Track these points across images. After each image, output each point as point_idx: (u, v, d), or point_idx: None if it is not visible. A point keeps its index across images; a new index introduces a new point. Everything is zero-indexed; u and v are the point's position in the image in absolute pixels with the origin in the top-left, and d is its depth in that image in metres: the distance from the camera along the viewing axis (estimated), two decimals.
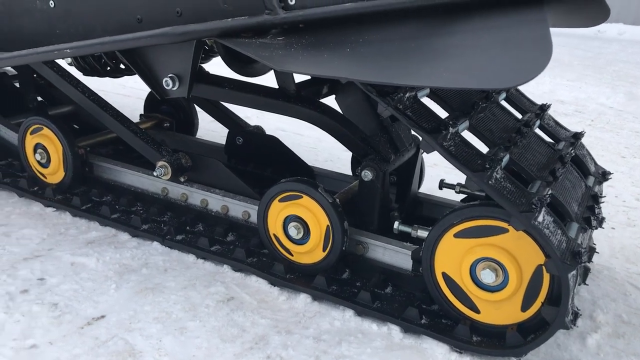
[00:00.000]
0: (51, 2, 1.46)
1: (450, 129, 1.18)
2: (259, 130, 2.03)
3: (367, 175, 1.44)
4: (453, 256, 1.25)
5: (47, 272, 1.45)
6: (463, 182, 1.72)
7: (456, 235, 1.24)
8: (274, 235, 1.46)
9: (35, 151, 1.78)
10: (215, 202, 1.66)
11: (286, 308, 1.36)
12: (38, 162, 1.79)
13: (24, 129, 1.80)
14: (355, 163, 1.84)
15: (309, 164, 1.87)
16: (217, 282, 1.44)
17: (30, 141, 1.80)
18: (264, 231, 1.48)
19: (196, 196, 1.69)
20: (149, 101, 2.24)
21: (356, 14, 1.08)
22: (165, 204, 1.73)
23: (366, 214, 1.48)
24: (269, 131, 2.06)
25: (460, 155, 1.16)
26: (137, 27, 1.35)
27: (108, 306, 1.33)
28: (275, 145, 1.86)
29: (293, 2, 1.15)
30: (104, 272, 1.46)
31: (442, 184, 1.72)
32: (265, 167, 1.89)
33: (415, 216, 1.68)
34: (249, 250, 1.51)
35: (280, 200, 1.44)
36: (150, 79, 1.42)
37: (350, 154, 1.81)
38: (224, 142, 1.94)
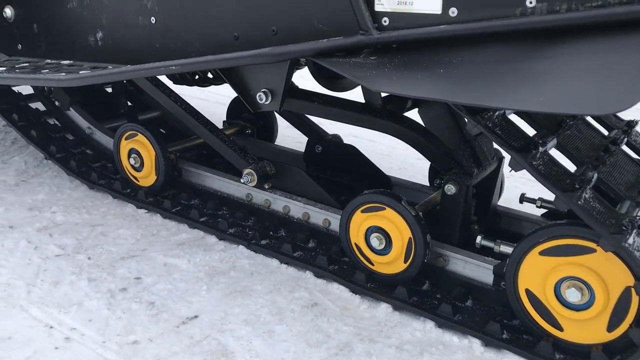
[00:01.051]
0: (152, 18, 1.55)
1: (540, 148, 1.19)
2: (337, 139, 2.08)
3: (450, 189, 1.46)
4: (537, 274, 1.26)
5: (142, 271, 1.55)
6: (543, 197, 1.73)
7: (542, 253, 1.25)
8: (356, 244, 1.51)
9: (129, 156, 1.90)
10: (297, 209, 1.72)
11: (368, 317, 1.41)
12: (132, 166, 1.90)
13: (119, 134, 1.92)
14: (433, 173, 1.87)
15: (383, 170, 1.91)
16: (301, 287, 1.50)
17: (125, 146, 1.91)
18: (346, 240, 1.52)
19: (279, 202, 1.76)
20: (232, 108, 2.33)
21: (450, 36, 1.11)
22: (249, 209, 1.81)
23: (448, 227, 1.51)
24: (342, 137, 2.10)
25: (549, 174, 1.17)
26: (234, 44, 1.43)
27: (200, 307, 1.41)
28: (353, 154, 1.90)
29: (387, 22, 1.19)
30: (194, 273, 1.55)
31: (523, 198, 1.72)
32: (343, 174, 1.94)
33: (495, 229, 1.69)
34: (330, 258, 1.57)
35: (362, 211, 1.48)
36: (244, 92, 1.49)
37: (425, 162, 1.84)
38: (301, 149, 2.00)
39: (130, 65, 1.65)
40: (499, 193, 1.74)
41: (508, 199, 1.78)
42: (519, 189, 1.93)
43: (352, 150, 1.91)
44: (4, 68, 1.71)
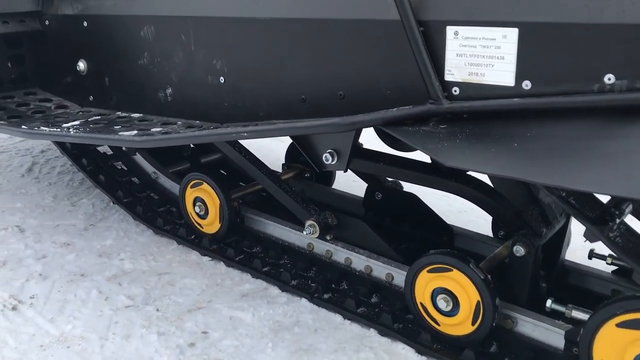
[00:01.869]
0: (222, 78, 1.59)
1: (616, 218, 1.16)
2: (397, 185, 2.08)
3: (519, 250, 1.44)
4: (614, 346, 1.22)
5: (209, 325, 1.57)
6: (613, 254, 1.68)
7: (619, 325, 1.21)
8: (422, 304, 1.50)
9: (194, 204, 1.94)
10: (359, 261, 1.72)
11: None
12: (197, 213, 1.94)
13: (185, 182, 1.96)
14: (497, 225, 1.84)
15: (442, 213, 1.89)
16: (366, 347, 1.49)
17: (190, 194, 1.96)
18: (411, 299, 1.51)
19: (340, 254, 1.76)
20: (290, 151, 2.36)
21: (523, 109, 1.10)
22: (310, 259, 1.82)
23: (516, 287, 1.48)
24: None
25: (627, 247, 1.14)
26: (301, 105, 1.45)
27: None
28: (413, 202, 1.90)
29: (457, 92, 1.19)
30: (259, 328, 1.56)
31: (592, 254, 1.68)
32: (403, 222, 1.93)
33: (563, 284, 1.66)
34: (395, 316, 1.56)
35: (429, 271, 1.47)
36: (309, 151, 1.50)
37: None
38: (357, 188, 2.00)
39: (199, 120, 1.70)
40: (566, 247, 1.70)
41: (573, 248, 1.74)
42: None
43: (413, 198, 1.91)
44: (78, 122, 1.79)
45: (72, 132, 1.61)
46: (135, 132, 1.61)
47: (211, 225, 1.94)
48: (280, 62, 1.46)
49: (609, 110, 1.03)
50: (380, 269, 1.68)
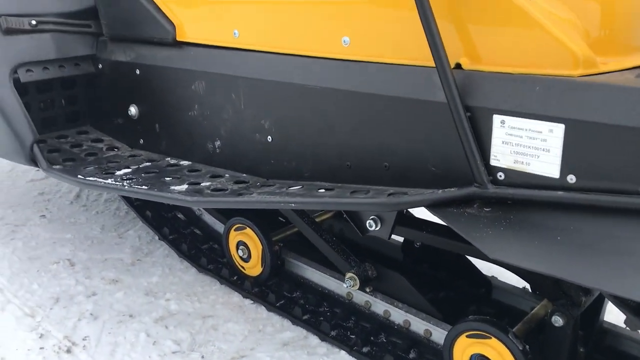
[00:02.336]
0: (269, 137, 1.65)
1: None
2: None
3: (557, 321, 1.46)
4: None
5: None
6: None
7: None
8: None
9: (237, 247, 2.00)
10: (398, 315, 1.76)
11: None
12: (240, 257, 2.01)
13: (229, 226, 2.03)
14: None
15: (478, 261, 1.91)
16: None
17: (234, 238, 2.02)
18: None
19: (379, 306, 1.80)
20: None
21: (568, 203, 1.13)
22: (349, 308, 1.87)
23: (553, 356, 1.50)
24: None
25: None
26: (346, 171, 1.50)
27: None
28: (452, 253, 1.92)
29: (502, 177, 1.22)
30: None
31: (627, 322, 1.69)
32: (440, 270, 1.96)
33: (601, 347, 1.67)
34: None
35: (467, 336, 1.50)
36: (353, 215, 1.55)
37: None
38: (397, 239, 2.04)
39: (245, 173, 1.76)
40: (605, 307, 1.71)
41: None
42: None
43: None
44: (130, 170, 1.86)
45: (126, 186, 1.68)
46: (186, 186, 1.68)
47: (253, 268, 2.00)
48: (328, 129, 1.51)
49: None
50: (419, 325, 1.72)
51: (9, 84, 1.91)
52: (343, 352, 1.73)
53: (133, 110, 2.04)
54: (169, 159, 1.97)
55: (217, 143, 1.81)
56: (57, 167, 1.91)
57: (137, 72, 1.98)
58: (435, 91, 1.27)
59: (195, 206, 1.60)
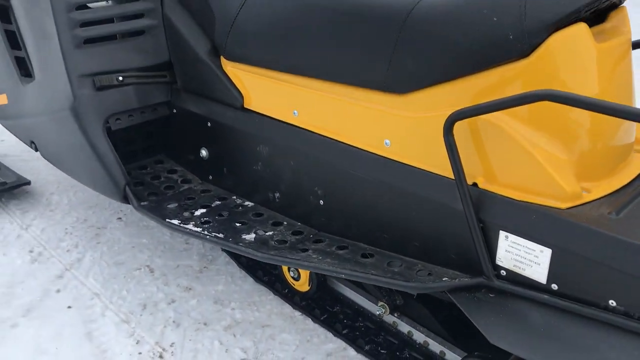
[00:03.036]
0: (321, 201, 2.05)
1: None
2: None
3: None
4: None
5: None
6: None
7: None
8: None
9: (289, 268, 2.44)
10: (419, 335, 2.20)
11: None
12: (291, 277, 2.45)
13: None
14: None
15: None
16: None
17: None
18: None
19: (404, 327, 2.25)
20: None
21: (551, 305, 1.53)
22: (379, 325, 2.31)
23: None
24: None
25: None
26: (384, 239, 1.89)
27: None
28: None
29: (504, 274, 1.61)
30: None
31: None
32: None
33: None
34: None
35: None
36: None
37: None
38: None
39: (300, 222, 2.17)
40: None
41: None
42: None
43: None
44: (205, 211, 2.27)
45: (206, 233, 2.11)
46: (254, 235, 2.10)
47: (302, 286, 2.45)
48: (370, 207, 1.90)
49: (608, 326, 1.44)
50: (436, 345, 2.16)
51: (102, 135, 2.30)
52: None
53: (204, 152, 2.44)
54: (235, 197, 2.38)
55: (277, 194, 2.21)
56: (144, 203, 2.33)
57: (209, 124, 2.35)
58: (456, 200, 1.65)
59: (262, 260, 2.01)
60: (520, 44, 1.49)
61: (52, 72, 2.34)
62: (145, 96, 2.44)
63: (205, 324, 2.36)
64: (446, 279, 1.69)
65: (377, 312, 2.21)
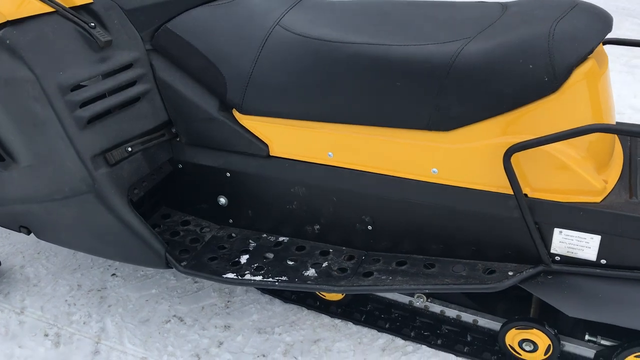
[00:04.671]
0: (369, 226, 2.31)
1: None
2: None
3: None
4: None
5: None
6: None
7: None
8: (510, 345, 2.44)
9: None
10: (451, 312, 2.60)
11: None
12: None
13: None
14: None
15: None
16: None
17: None
18: (504, 344, 2.44)
19: (436, 307, 2.63)
20: None
21: (602, 276, 2.00)
22: (413, 312, 2.66)
23: None
24: None
25: None
26: (438, 248, 2.23)
27: None
28: None
29: (559, 259, 2.05)
30: None
31: None
32: None
33: None
34: (489, 352, 2.49)
35: (516, 328, 2.39)
36: None
37: None
38: None
39: (345, 246, 2.42)
40: None
41: None
42: None
43: None
44: (249, 257, 2.41)
45: (269, 279, 2.26)
46: (313, 270, 2.30)
47: (335, 295, 2.71)
48: (422, 224, 2.21)
49: None
50: (468, 317, 2.58)
51: (130, 210, 2.30)
52: (424, 347, 2.56)
53: (223, 200, 2.53)
54: (265, 235, 2.54)
55: (316, 227, 2.42)
56: (184, 264, 2.40)
57: (228, 174, 2.45)
58: (510, 210, 2.03)
59: (343, 293, 2.23)
60: (552, 83, 1.86)
61: (53, 157, 2.25)
62: (153, 159, 2.45)
63: (263, 355, 2.54)
64: (511, 273, 2.09)
65: (417, 303, 2.57)
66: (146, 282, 2.93)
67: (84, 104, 2.21)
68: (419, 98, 2.01)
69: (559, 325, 2.36)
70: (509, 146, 1.92)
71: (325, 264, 2.34)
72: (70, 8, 2.21)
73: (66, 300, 2.83)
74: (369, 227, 2.31)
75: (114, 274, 2.99)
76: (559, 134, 1.82)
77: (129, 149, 2.33)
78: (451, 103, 1.97)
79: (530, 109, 1.92)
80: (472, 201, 2.09)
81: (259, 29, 2.26)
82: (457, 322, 2.61)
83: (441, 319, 2.63)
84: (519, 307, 2.43)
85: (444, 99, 1.97)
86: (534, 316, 2.36)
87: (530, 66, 1.86)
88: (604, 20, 1.94)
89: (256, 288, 2.83)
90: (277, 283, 2.27)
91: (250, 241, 2.52)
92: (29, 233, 2.57)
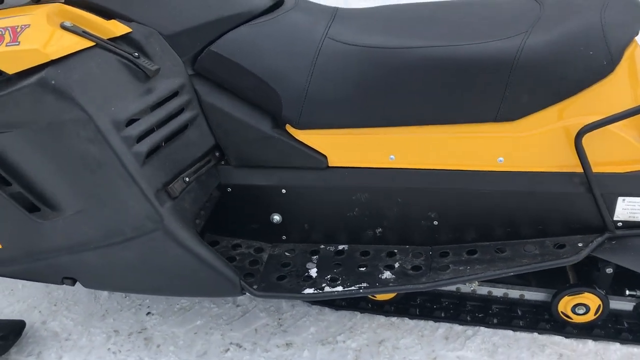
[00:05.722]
0: (435, 222, 2.39)
1: None
2: None
3: None
4: None
5: None
6: None
7: None
8: (563, 312, 2.62)
9: None
10: (498, 291, 2.76)
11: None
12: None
13: None
14: None
15: None
16: (540, 345, 2.60)
17: None
18: (556, 311, 2.62)
19: (483, 290, 2.77)
20: None
21: None
22: (461, 297, 2.78)
23: None
24: None
25: None
26: (502, 232, 2.36)
27: None
28: None
29: (621, 225, 2.25)
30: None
31: None
32: None
33: None
34: (542, 321, 2.67)
35: (568, 295, 2.58)
36: None
37: None
38: None
39: (408, 245, 2.48)
40: None
41: None
42: None
43: None
44: (316, 270, 2.41)
45: (356, 291, 2.29)
46: (388, 272, 2.35)
47: (386, 295, 2.77)
48: (488, 212, 2.33)
49: None
50: (515, 292, 2.74)
51: (199, 241, 2.23)
52: (482, 328, 2.69)
53: (277, 217, 2.50)
54: (323, 246, 2.55)
55: (378, 230, 2.47)
56: (255, 287, 2.36)
57: (283, 191, 2.43)
58: (576, 186, 2.20)
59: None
60: (609, 66, 2.05)
61: (111, 199, 2.12)
62: (206, 187, 2.38)
63: None
64: (580, 244, 2.27)
65: (470, 289, 2.70)
66: (187, 314, 2.82)
67: (140, 138, 2.10)
68: (487, 92, 2.12)
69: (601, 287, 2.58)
70: (574, 128, 2.09)
71: (397, 265, 2.39)
72: (110, 39, 2.09)
73: (109, 349, 2.66)
74: (435, 223, 2.40)
75: (149, 313, 2.85)
76: (627, 111, 2.01)
77: (186, 179, 2.25)
78: (519, 94, 2.10)
79: (590, 91, 2.10)
80: (539, 183, 2.24)
81: (308, 43, 2.26)
82: (505, 299, 2.76)
83: (490, 299, 2.77)
84: (554, 277, 2.62)
85: (512, 90, 2.10)
86: (574, 282, 2.57)
87: (591, 52, 2.03)
88: (638, 7, 2.16)
89: (306, 301, 2.81)
90: (361, 290, 2.29)
91: (311, 254, 2.51)
92: (73, 284, 2.40)
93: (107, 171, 2.07)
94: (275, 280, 2.39)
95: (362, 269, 2.40)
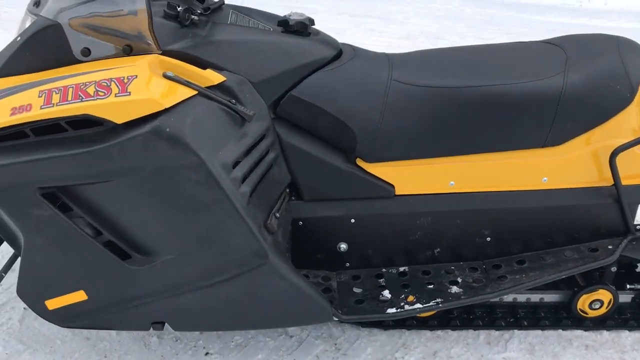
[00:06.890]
0: (488, 238, 2.71)
1: None
2: None
3: None
4: None
5: None
6: None
7: None
8: (580, 309, 3.03)
9: None
10: (522, 297, 3.11)
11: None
12: None
13: None
14: None
15: None
16: (566, 339, 2.98)
17: None
18: (575, 309, 3.02)
19: (509, 297, 3.11)
20: None
21: None
22: (490, 305, 3.11)
23: None
24: None
25: None
26: (540, 243, 2.74)
27: None
28: None
29: (639, 227, 2.71)
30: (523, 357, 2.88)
31: None
32: None
33: None
34: (563, 318, 3.06)
35: (585, 293, 2.99)
36: None
37: None
38: None
39: (461, 262, 2.77)
40: None
41: None
42: None
43: None
44: (389, 291, 2.64)
45: (433, 306, 2.52)
46: (455, 287, 2.63)
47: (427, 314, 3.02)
48: (534, 226, 2.69)
49: None
50: (536, 297, 3.11)
51: (296, 272, 2.37)
52: (516, 331, 3.02)
53: (343, 246, 2.69)
54: (384, 269, 2.77)
55: (437, 250, 2.74)
56: (339, 311, 2.53)
57: (352, 220, 2.64)
58: (606, 197, 2.62)
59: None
60: (631, 97, 2.52)
61: (216, 239, 2.23)
62: (287, 221, 2.53)
63: None
64: (610, 247, 2.69)
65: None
66: (245, 350, 2.88)
67: (243, 178, 2.23)
68: (538, 123, 2.50)
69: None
70: (606, 149, 2.53)
71: (459, 280, 2.67)
72: (207, 88, 2.22)
73: None
74: (488, 239, 2.71)
75: (207, 353, 2.86)
76: None
77: (277, 215, 2.39)
78: (564, 123, 2.51)
79: (617, 118, 2.56)
80: (576, 197, 2.64)
81: (377, 85, 2.52)
82: (528, 304, 3.13)
83: (516, 305, 3.12)
84: (563, 280, 3.02)
85: (559, 120, 2.49)
86: (580, 281, 3.01)
87: (618, 87, 2.48)
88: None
89: (357, 323, 2.99)
90: (440, 305, 2.54)
91: (376, 277, 2.72)
92: (162, 328, 2.41)
93: (216, 212, 2.16)
94: (354, 304, 2.57)
95: (430, 286, 2.65)
